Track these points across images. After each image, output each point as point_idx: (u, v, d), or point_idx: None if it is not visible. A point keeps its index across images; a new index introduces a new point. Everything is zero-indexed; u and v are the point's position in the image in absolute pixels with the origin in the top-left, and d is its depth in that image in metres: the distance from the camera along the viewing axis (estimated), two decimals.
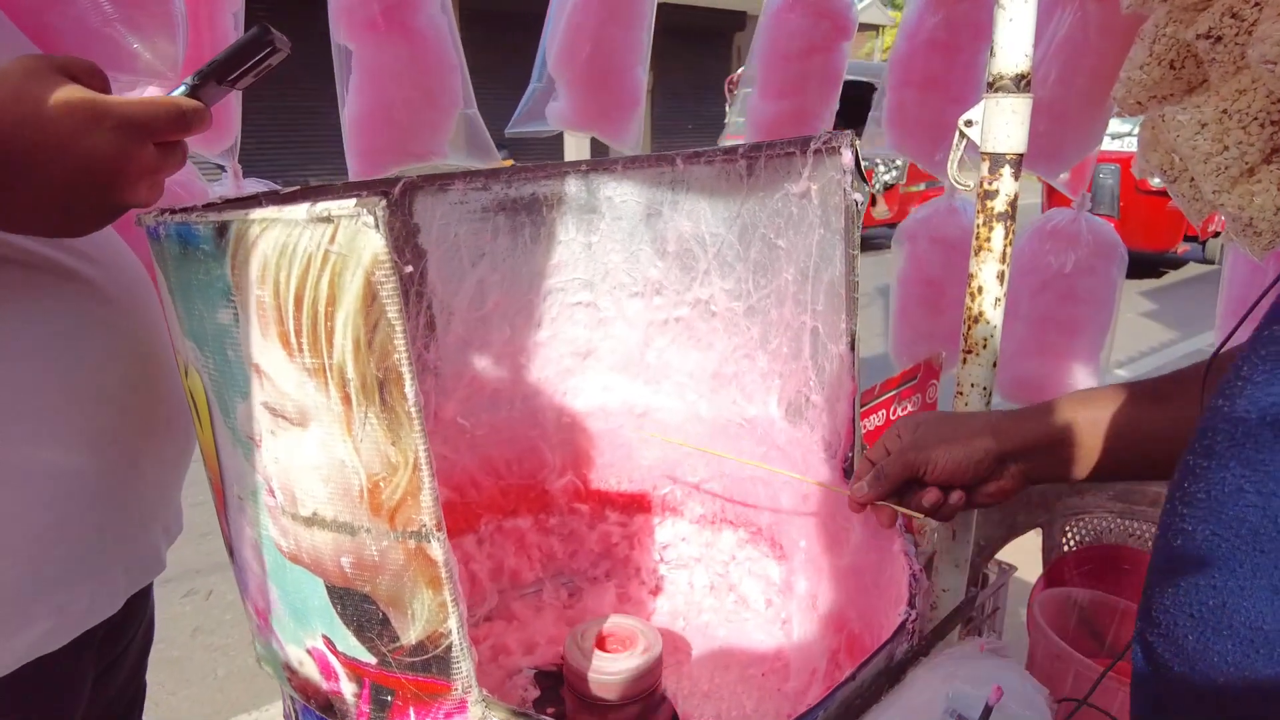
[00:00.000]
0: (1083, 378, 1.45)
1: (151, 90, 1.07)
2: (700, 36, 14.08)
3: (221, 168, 1.27)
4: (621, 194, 1.15)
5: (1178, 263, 8.16)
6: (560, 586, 1.30)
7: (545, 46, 1.62)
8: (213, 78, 0.65)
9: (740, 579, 1.24)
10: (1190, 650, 0.39)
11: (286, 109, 10.14)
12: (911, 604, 0.74)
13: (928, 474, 0.76)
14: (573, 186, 1.14)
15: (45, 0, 0.92)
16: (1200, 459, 0.41)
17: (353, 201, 0.49)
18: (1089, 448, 0.73)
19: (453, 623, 0.59)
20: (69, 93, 0.58)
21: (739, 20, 14.58)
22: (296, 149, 10.46)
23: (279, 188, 1.07)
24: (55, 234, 0.63)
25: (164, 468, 0.83)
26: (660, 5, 1.63)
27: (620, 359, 1.24)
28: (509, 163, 1.32)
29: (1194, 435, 0.43)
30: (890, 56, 1.65)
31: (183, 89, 0.64)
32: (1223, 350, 0.56)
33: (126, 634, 0.88)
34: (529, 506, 1.30)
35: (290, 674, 0.70)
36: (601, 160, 1.15)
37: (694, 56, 14.23)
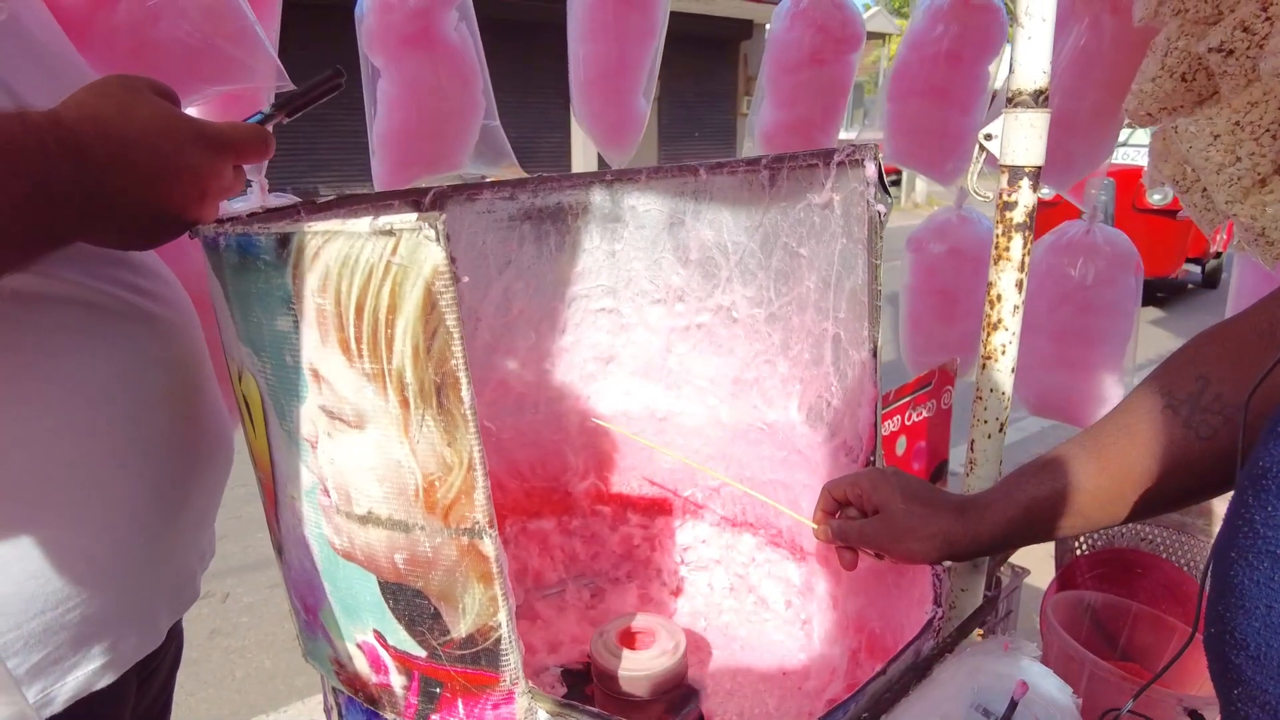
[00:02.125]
0: (1107, 388, 1.47)
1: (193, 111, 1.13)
2: (707, 45, 14.14)
3: (249, 181, 1.31)
4: (645, 203, 1.17)
5: (1177, 287, 7.56)
6: (583, 587, 1.33)
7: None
8: (284, 110, 0.70)
9: (760, 581, 1.26)
10: None
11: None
12: (937, 602, 0.77)
13: (884, 558, 0.84)
14: (597, 196, 1.17)
15: (148, 19, 0.97)
16: None
17: (414, 216, 0.52)
18: (1035, 533, 0.77)
19: (503, 616, 0.61)
20: (167, 110, 0.62)
21: (746, 29, 14.63)
22: (302, 156, 10.53)
23: (297, 199, 1.11)
24: (128, 246, 0.66)
25: (205, 499, 0.85)
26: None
27: (642, 364, 1.27)
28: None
29: (1266, 459, 0.45)
30: (893, 67, 1.68)
31: (257, 117, 0.68)
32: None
33: (163, 650, 0.91)
34: (552, 509, 1.33)
35: (338, 668, 0.73)
36: (625, 170, 1.18)
37: (701, 65, 14.29)
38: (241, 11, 1.06)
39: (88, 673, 0.71)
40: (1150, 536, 1.57)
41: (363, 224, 0.54)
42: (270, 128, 0.74)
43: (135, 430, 0.72)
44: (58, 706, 0.69)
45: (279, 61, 1.12)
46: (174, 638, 0.94)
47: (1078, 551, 1.62)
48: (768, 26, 1.78)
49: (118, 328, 0.72)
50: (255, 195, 1.33)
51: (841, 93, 1.74)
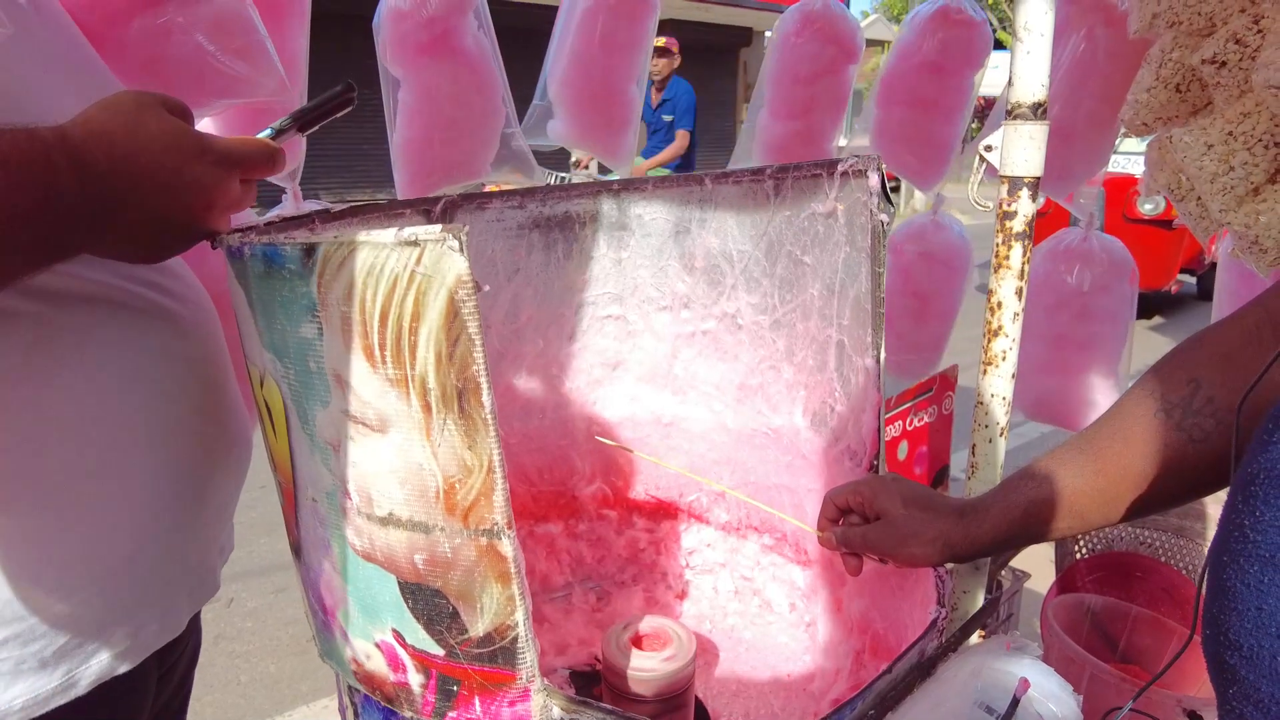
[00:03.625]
0: (1101, 393, 1.50)
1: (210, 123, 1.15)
2: (707, 53, 14.19)
3: (282, 190, 1.34)
4: (651, 212, 1.20)
5: (1172, 300, 7.18)
6: (589, 591, 1.35)
7: (548, 66, 1.68)
8: (296, 125, 0.72)
9: (765, 584, 1.28)
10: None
11: None
12: (940, 602, 0.79)
13: (887, 562, 0.86)
14: (604, 205, 1.20)
15: (159, 35, 1.00)
16: (1275, 489, 0.45)
17: (439, 227, 0.54)
18: (1034, 534, 0.79)
19: (519, 615, 0.63)
20: (176, 126, 0.64)
21: (745, 37, 14.70)
22: (307, 164, 10.55)
23: (330, 206, 1.14)
24: (141, 260, 0.67)
25: (225, 493, 0.87)
26: (667, 22, 1.68)
27: (648, 370, 1.29)
28: (496, 188, 1.37)
29: (1255, 466, 0.47)
30: (881, 75, 1.70)
31: (268, 132, 0.71)
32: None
33: (182, 642, 0.93)
34: (559, 513, 1.34)
35: (356, 667, 0.75)
36: (632, 180, 1.20)
37: (701, 72, 14.32)
38: (251, 26, 1.09)
39: (110, 657, 0.73)
40: (1149, 540, 1.58)
41: (388, 234, 0.56)
42: (284, 141, 0.76)
43: (155, 424, 0.75)
44: (82, 689, 0.72)
45: (284, 75, 1.14)
46: (192, 632, 0.97)
47: (1078, 555, 1.64)
48: (767, 34, 1.81)
49: (139, 325, 0.74)
50: (289, 203, 1.36)
51: (841, 102, 1.77)
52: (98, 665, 0.72)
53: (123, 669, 0.75)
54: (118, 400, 0.71)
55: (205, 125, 1.20)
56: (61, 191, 0.57)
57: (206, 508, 0.83)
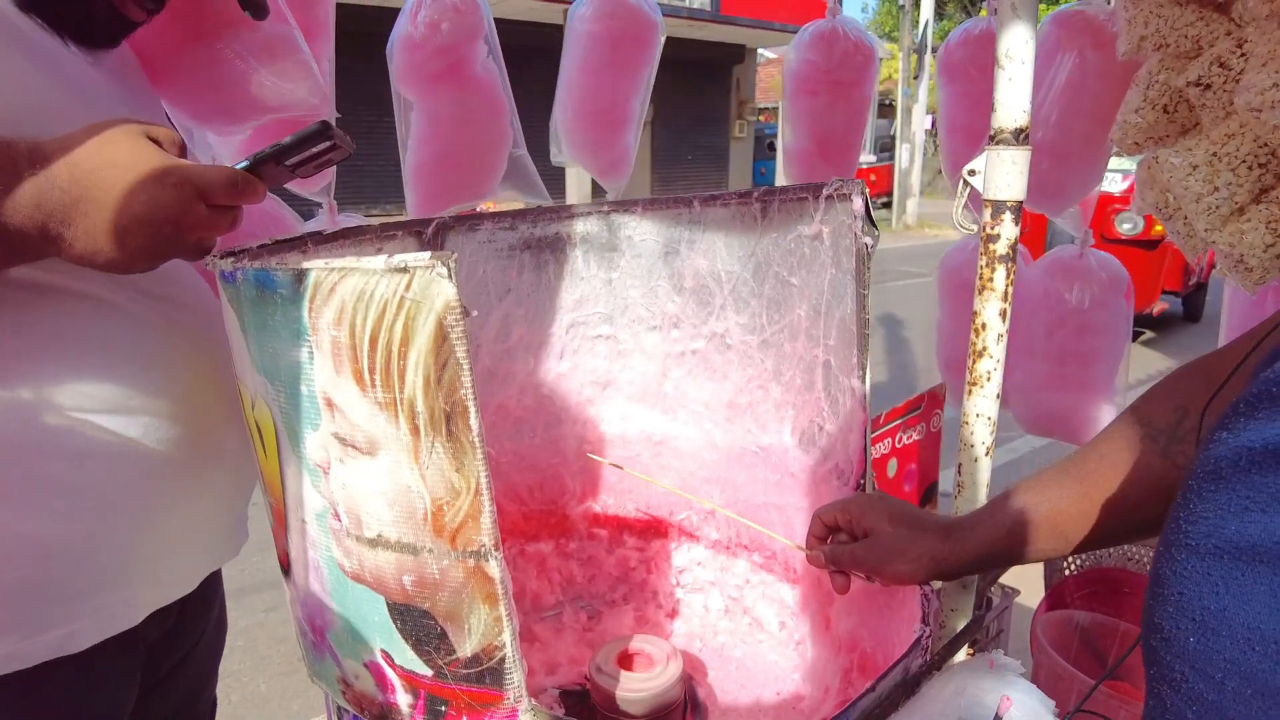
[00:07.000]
0: (1103, 407, 1.51)
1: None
2: (700, 69, 14.28)
3: (318, 204, 1.37)
4: (641, 233, 1.21)
5: (1155, 324, 6.84)
6: (580, 609, 1.35)
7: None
8: (270, 160, 0.73)
9: (754, 602, 1.28)
10: (1192, 651, 0.45)
11: None
12: (925, 620, 0.79)
13: (874, 580, 0.86)
14: (594, 226, 1.21)
15: (209, 61, 1.05)
16: (1207, 483, 0.46)
17: (427, 254, 0.55)
18: (1018, 554, 0.80)
19: (507, 636, 0.64)
20: (145, 150, 0.68)
21: (738, 53, 14.79)
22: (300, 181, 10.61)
23: (366, 220, 1.16)
24: (109, 269, 0.70)
25: (217, 498, 0.89)
26: None
27: (639, 389, 1.29)
28: (490, 206, 1.39)
29: (1198, 464, 0.48)
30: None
31: (246, 162, 0.72)
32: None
33: (181, 645, 0.93)
34: (550, 532, 1.35)
35: (345, 687, 0.75)
36: (622, 201, 1.21)
37: (694, 88, 14.44)
38: (296, 48, 1.11)
39: (59, 636, 0.75)
40: (1137, 556, 1.59)
41: (378, 261, 0.57)
42: (265, 173, 0.76)
43: (128, 422, 0.77)
44: (32, 661, 0.74)
45: (324, 89, 1.16)
46: (198, 632, 0.98)
47: (1067, 571, 1.65)
48: (760, 51, 1.82)
49: (126, 326, 0.77)
50: (324, 217, 1.39)
51: (861, 114, 1.77)
52: (48, 640, 0.75)
53: (74, 648, 0.76)
54: (91, 392, 0.74)
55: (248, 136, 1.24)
56: (19, 196, 0.63)
57: (189, 508, 0.85)
